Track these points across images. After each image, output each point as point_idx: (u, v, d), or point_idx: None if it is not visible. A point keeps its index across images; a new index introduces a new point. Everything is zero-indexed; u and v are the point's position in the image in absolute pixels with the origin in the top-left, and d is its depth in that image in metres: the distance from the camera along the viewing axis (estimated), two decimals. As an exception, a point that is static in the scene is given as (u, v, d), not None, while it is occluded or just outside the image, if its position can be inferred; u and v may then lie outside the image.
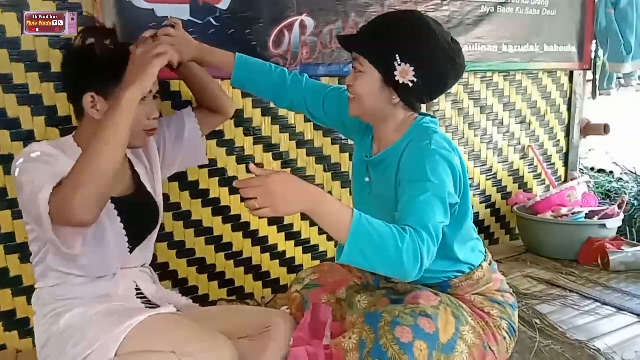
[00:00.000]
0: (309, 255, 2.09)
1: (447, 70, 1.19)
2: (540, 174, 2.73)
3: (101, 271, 1.26)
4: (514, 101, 2.54)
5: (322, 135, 2.04)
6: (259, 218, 1.18)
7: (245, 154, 1.89)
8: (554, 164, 2.80)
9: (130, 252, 1.31)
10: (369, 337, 1.12)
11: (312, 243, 2.08)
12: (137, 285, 1.33)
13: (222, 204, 1.88)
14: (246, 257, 1.96)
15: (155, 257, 1.76)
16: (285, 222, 2.02)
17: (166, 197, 1.77)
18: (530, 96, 2.59)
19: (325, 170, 2.07)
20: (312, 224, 2.06)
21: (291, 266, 2.05)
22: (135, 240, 1.32)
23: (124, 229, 1.26)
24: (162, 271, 1.81)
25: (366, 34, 1.21)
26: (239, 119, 1.86)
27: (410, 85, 1.16)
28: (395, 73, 1.14)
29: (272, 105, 1.91)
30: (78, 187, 1.01)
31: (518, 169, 2.65)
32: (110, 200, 1.21)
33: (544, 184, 2.74)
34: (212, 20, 1.70)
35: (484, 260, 1.36)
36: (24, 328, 1.58)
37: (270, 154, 1.95)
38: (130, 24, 1.56)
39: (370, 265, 1.02)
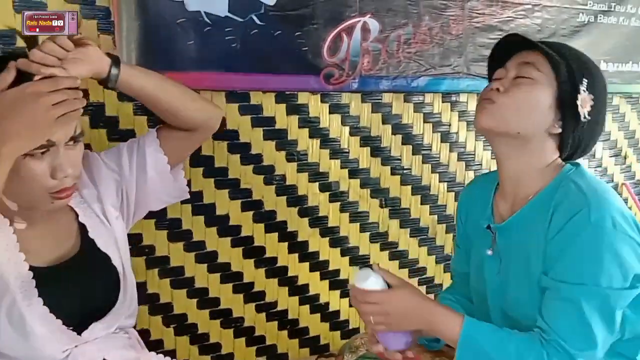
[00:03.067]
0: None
1: (603, 121, 1.01)
2: (635, 215, 2.28)
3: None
4: (609, 129, 2.11)
5: (380, 164, 1.68)
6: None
7: (287, 183, 1.54)
8: (651, 205, 2.35)
9: (80, 333, 0.93)
10: None
11: (361, 294, 1.72)
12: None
13: (255, 243, 1.53)
14: (281, 309, 1.61)
15: (171, 307, 1.46)
16: (330, 268, 1.66)
17: (188, 233, 1.45)
18: (628, 124, 2.16)
19: (381, 206, 1.70)
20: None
21: (334, 321, 1.69)
22: (81, 320, 0.94)
23: (50, 312, 0.89)
24: (179, 323, 1.48)
25: (549, 45, 0.98)
26: (282, 140, 1.52)
27: (582, 120, 0.95)
28: (578, 97, 0.94)
29: (322, 124, 1.57)
30: None
31: (608, 211, 2.22)
32: (31, 274, 0.88)
33: None
34: (254, 17, 1.37)
35: None
36: None
37: (317, 184, 1.59)
38: (153, 19, 1.26)
39: None
